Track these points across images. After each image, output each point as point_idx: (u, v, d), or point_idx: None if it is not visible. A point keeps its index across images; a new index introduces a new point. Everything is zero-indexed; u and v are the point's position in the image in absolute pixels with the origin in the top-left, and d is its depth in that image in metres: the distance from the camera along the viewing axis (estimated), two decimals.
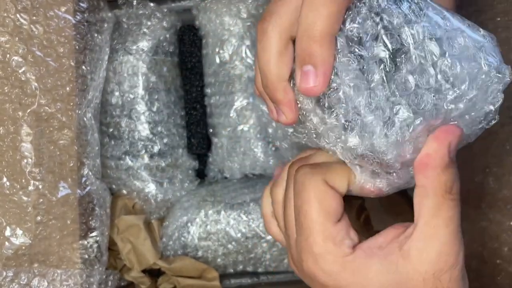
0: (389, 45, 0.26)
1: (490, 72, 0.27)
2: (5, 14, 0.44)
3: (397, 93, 0.26)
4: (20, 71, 0.44)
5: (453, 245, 0.28)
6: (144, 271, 0.53)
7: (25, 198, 0.44)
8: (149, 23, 0.53)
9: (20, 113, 0.44)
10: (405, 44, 0.26)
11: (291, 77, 0.30)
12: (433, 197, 0.28)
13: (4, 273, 0.44)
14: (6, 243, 0.44)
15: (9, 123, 0.44)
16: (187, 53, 0.57)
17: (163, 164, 0.54)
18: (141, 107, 0.53)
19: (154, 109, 0.54)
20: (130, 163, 0.53)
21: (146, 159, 0.54)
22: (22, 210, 0.44)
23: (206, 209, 0.53)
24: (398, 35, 0.26)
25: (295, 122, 0.31)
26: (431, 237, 0.28)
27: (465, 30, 0.27)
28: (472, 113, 0.28)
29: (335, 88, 0.27)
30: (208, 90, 0.56)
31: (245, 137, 0.54)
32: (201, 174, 0.59)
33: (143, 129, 0.53)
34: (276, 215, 0.36)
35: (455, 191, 0.28)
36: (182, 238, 0.53)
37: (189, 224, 0.53)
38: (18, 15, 0.44)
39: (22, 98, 0.44)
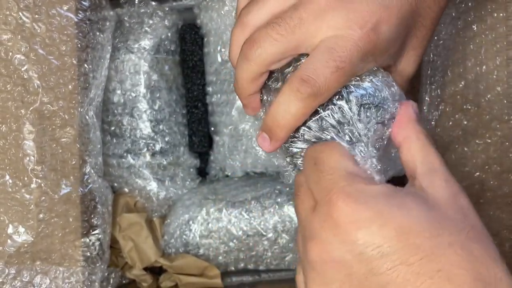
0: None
1: None
2: (8, 12, 0.44)
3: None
4: (22, 69, 0.44)
5: (452, 186, 0.30)
6: (145, 269, 0.54)
7: (27, 196, 0.44)
8: (150, 21, 0.54)
9: (22, 111, 0.44)
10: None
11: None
12: (417, 143, 0.31)
13: (7, 271, 0.44)
14: (9, 240, 0.44)
15: (12, 121, 0.44)
16: (189, 51, 0.57)
17: (165, 162, 0.55)
18: (143, 105, 0.53)
19: (156, 107, 0.54)
20: (132, 161, 0.54)
21: (148, 157, 0.54)
22: (25, 207, 0.44)
23: (208, 207, 0.53)
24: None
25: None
26: (431, 170, 0.30)
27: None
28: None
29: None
30: (209, 89, 0.56)
31: (246, 136, 0.54)
32: (202, 172, 0.59)
33: (145, 127, 0.54)
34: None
35: (432, 141, 0.31)
36: (184, 236, 0.53)
37: (190, 222, 0.53)
38: (20, 13, 0.44)
39: (24, 96, 0.44)
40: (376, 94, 0.32)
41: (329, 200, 0.29)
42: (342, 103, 0.32)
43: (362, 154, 0.32)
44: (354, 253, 0.28)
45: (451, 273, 0.27)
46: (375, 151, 0.32)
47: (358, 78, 0.32)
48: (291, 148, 0.34)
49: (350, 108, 0.32)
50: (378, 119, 0.32)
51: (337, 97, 0.32)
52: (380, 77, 0.33)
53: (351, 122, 0.32)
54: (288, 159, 0.35)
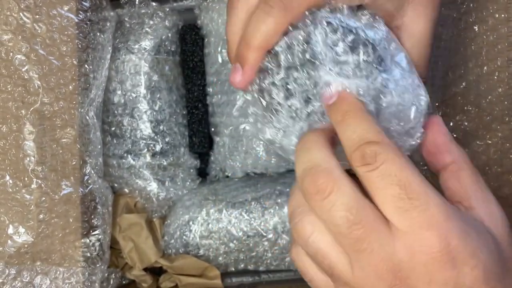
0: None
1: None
2: (8, 13, 0.44)
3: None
4: (23, 69, 0.44)
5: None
6: (145, 269, 0.54)
7: (27, 196, 0.44)
8: (151, 22, 0.54)
9: (23, 111, 0.44)
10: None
11: None
12: (468, 170, 0.30)
13: (7, 271, 0.44)
14: (9, 241, 0.44)
15: (12, 121, 0.44)
16: (189, 52, 0.57)
17: (165, 163, 0.55)
18: (143, 106, 0.53)
19: (156, 108, 0.54)
20: (132, 161, 0.54)
21: (148, 157, 0.54)
22: (25, 208, 0.44)
23: (208, 208, 0.53)
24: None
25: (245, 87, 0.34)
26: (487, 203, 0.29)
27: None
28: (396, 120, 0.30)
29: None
30: (210, 89, 0.56)
31: (247, 136, 0.54)
32: (202, 173, 0.59)
33: (145, 128, 0.54)
34: None
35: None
36: (184, 237, 0.53)
37: (190, 223, 0.53)
38: (21, 14, 0.44)
39: (25, 96, 0.44)
40: (356, 28, 0.29)
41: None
42: (311, 28, 0.30)
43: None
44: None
45: None
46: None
47: (343, 7, 0.30)
48: (261, 84, 0.32)
49: (320, 33, 0.29)
50: (367, 58, 0.29)
51: (308, 21, 0.30)
52: (370, 17, 0.30)
53: (322, 54, 0.29)
54: (258, 97, 0.33)
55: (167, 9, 0.55)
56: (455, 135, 0.48)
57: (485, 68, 0.46)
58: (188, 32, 0.57)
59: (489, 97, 0.46)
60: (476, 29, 0.46)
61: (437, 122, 0.31)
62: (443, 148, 0.30)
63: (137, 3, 0.53)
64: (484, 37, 0.45)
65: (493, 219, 0.28)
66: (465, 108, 0.47)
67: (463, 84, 0.47)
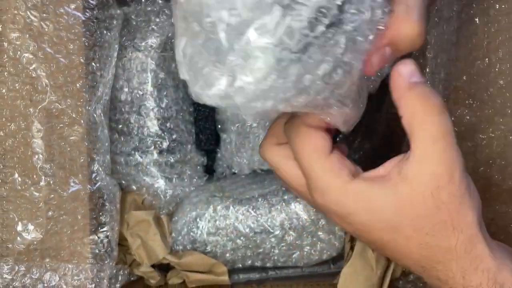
0: None
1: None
2: (16, 12, 0.44)
3: None
4: (30, 67, 0.44)
5: (445, 162, 0.30)
6: (153, 266, 0.54)
7: (36, 194, 0.45)
8: (157, 19, 0.54)
9: (31, 109, 0.45)
10: None
11: None
12: (414, 119, 0.31)
13: (16, 268, 0.44)
14: (18, 238, 0.44)
15: (20, 119, 0.44)
16: None
17: (172, 160, 0.55)
18: (150, 103, 0.54)
19: (163, 105, 0.54)
20: (139, 159, 0.54)
21: (155, 155, 0.54)
22: (34, 205, 0.45)
23: (215, 205, 0.53)
24: None
25: None
26: (422, 158, 0.30)
27: None
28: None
29: None
30: None
31: (253, 133, 0.54)
32: (209, 169, 0.60)
33: (152, 125, 0.54)
34: None
35: (435, 108, 0.31)
36: (191, 233, 0.53)
37: (198, 219, 0.53)
38: (28, 12, 0.44)
39: (33, 94, 0.45)
40: None
41: (309, 189, 0.34)
42: None
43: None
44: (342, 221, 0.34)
45: (410, 256, 0.32)
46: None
47: None
48: None
49: None
50: None
51: None
52: None
53: None
54: None
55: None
56: (457, 129, 0.47)
57: (486, 60, 0.45)
58: None
59: (491, 90, 0.45)
60: (478, 21, 0.45)
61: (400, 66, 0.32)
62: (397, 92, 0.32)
63: (143, 0, 0.54)
64: (486, 29, 0.45)
65: (418, 179, 0.31)
66: (467, 101, 0.47)
67: (464, 77, 0.47)
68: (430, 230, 0.31)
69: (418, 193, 0.30)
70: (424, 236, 0.31)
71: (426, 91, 0.31)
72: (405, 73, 0.31)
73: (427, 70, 0.47)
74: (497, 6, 0.44)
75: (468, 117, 0.47)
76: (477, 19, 0.45)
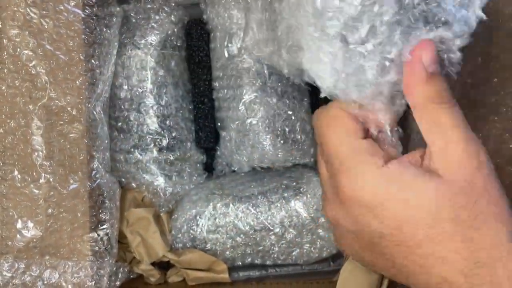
0: None
1: None
2: (16, 8, 0.44)
3: None
4: (30, 64, 0.44)
5: (468, 149, 0.29)
6: (153, 263, 0.54)
7: (36, 191, 0.45)
8: (157, 17, 0.54)
9: (30, 106, 0.45)
10: None
11: None
12: (426, 112, 0.29)
13: (16, 265, 0.44)
14: (18, 235, 0.44)
15: (20, 116, 0.44)
16: (195, 47, 0.57)
17: (172, 158, 0.55)
18: (150, 101, 0.54)
19: (163, 103, 0.54)
20: (139, 156, 0.54)
21: (155, 152, 0.54)
22: (33, 203, 0.45)
23: (215, 202, 0.53)
24: None
25: None
26: (443, 152, 0.29)
27: None
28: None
29: None
30: (216, 84, 0.56)
31: (253, 130, 0.54)
32: (209, 167, 0.59)
33: (152, 123, 0.54)
34: None
35: (445, 99, 0.29)
36: (191, 231, 0.53)
37: (197, 217, 0.53)
38: (28, 9, 0.44)
39: (32, 91, 0.45)
40: None
41: (335, 179, 0.31)
42: None
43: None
44: (357, 227, 0.31)
45: (448, 258, 0.28)
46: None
47: None
48: None
49: None
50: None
51: None
52: None
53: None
54: None
55: (173, 4, 0.55)
56: None
57: (479, 59, 0.45)
58: (194, 27, 0.57)
59: (485, 88, 0.45)
60: None
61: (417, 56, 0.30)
62: (409, 89, 0.30)
63: None
64: (479, 27, 0.45)
65: (449, 171, 0.29)
66: (461, 101, 0.47)
67: (456, 76, 0.47)
68: (474, 222, 0.27)
69: (454, 182, 0.28)
70: (466, 229, 0.27)
71: (442, 88, 0.30)
72: (426, 61, 0.29)
73: None
74: (491, 4, 0.44)
75: None
76: None
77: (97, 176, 0.48)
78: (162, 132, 0.54)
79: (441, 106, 0.29)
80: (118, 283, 0.50)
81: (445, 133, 0.29)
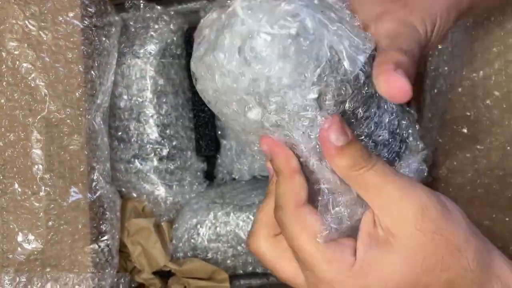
0: None
1: None
2: (14, 21, 0.44)
3: None
4: (29, 77, 0.44)
5: (403, 204, 0.29)
6: (154, 273, 0.54)
7: (36, 204, 0.45)
8: (156, 26, 0.53)
9: (30, 119, 0.44)
10: None
11: None
12: (353, 180, 0.30)
13: (18, 279, 0.44)
14: (19, 248, 0.44)
15: (20, 129, 0.44)
16: None
17: (172, 167, 0.55)
18: (150, 110, 0.53)
19: (163, 112, 0.54)
20: (139, 166, 0.54)
21: (155, 162, 0.54)
22: (34, 215, 0.45)
23: (215, 211, 0.53)
24: None
25: None
26: (386, 211, 0.30)
27: None
28: None
29: None
30: None
31: None
32: (209, 176, 0.59)
33: (152, 132, 0.54)
34: None
35: (362, 162, 0.30)
36: (192, 240, 0.53)
37: (198, 226, 0.53)
38: (26, 22, 0.44)
39: (32, 104, 0.44)
40: None
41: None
42: None
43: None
44: None
45: None
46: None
47: None
48: None
49: None
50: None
51: None
52: None
53: None
54: None
55: (172, 12, 0.55)
56: (455, 141, 0.48)
57: (481, 72, 0.45)
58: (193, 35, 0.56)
59: (487, 101, 0.46)
60: (473, 33, 0.45)
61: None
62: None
63: (141, 7, 0.53)
64: (480, 41, 0.45)
65: (407, 240, 0.29)
66: (464, 114, 0.47)
67: (459, 90, 0.47)
68: (442, 265, 0.29)
69: (406, 236, 0.29)
70: (439, 274, 0.29)
71: (357, 154, 0.30)
72: (333, 139, 0.29)
73: (427, 82, 0.47)
74: (492, 18, 0.44)
75: (465, 129, 0.47)
76: (473, 32, 0.45)
77: (97, 187, 0.48)
78: (162, 141, 0.54)
79: (362, 170, 0.30)
80: None
81: (380, 192, 0.30)
